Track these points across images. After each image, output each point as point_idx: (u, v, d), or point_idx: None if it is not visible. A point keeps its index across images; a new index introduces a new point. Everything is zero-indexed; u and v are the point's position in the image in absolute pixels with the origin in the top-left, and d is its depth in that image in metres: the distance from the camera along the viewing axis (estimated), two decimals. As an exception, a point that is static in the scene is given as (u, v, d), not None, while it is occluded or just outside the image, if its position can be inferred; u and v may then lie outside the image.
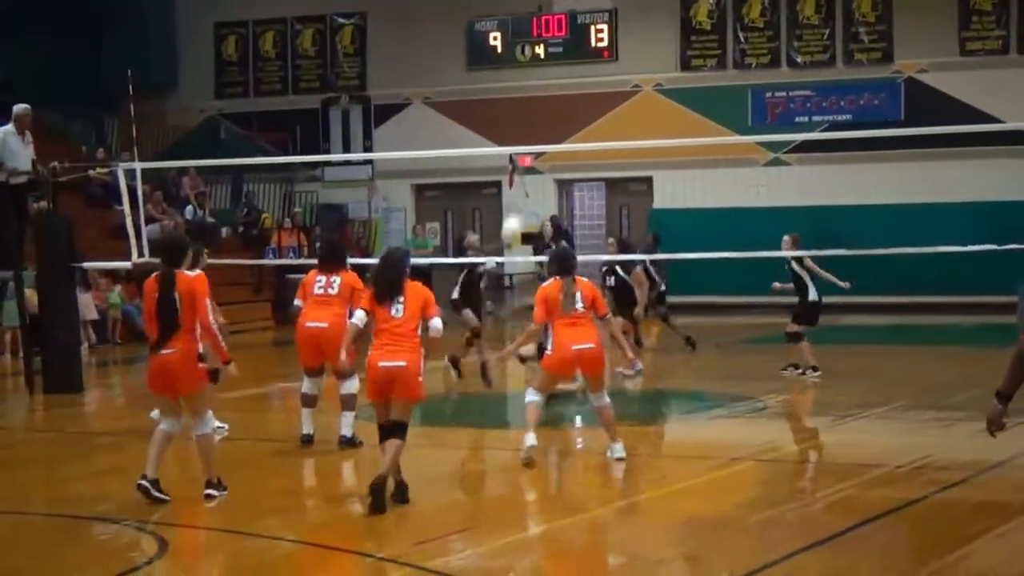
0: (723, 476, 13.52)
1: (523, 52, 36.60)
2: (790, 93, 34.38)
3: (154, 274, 12.21)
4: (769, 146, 33.59)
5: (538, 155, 35.17)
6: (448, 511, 12.06)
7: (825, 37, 34.28)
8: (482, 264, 20.20)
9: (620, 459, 13.59)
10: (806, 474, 13.97)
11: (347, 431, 14.75)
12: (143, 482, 11.97)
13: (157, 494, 11.96)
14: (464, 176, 36.11)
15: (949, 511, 11.14)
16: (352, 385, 14.61)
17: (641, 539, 11.11)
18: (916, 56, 33.36)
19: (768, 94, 34.52)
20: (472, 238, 21.30)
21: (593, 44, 35.98)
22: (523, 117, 35.32)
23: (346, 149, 37.47)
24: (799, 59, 34.49)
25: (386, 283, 12.04)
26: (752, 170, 34.07)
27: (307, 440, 14.96)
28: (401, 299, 11.92)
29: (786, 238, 20.65)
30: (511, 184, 35.01)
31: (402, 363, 11.73)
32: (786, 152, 33.96)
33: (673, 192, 34.58)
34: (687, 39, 35.33)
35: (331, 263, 15.09)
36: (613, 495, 12.91)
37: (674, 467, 13.72)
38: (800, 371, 20.39)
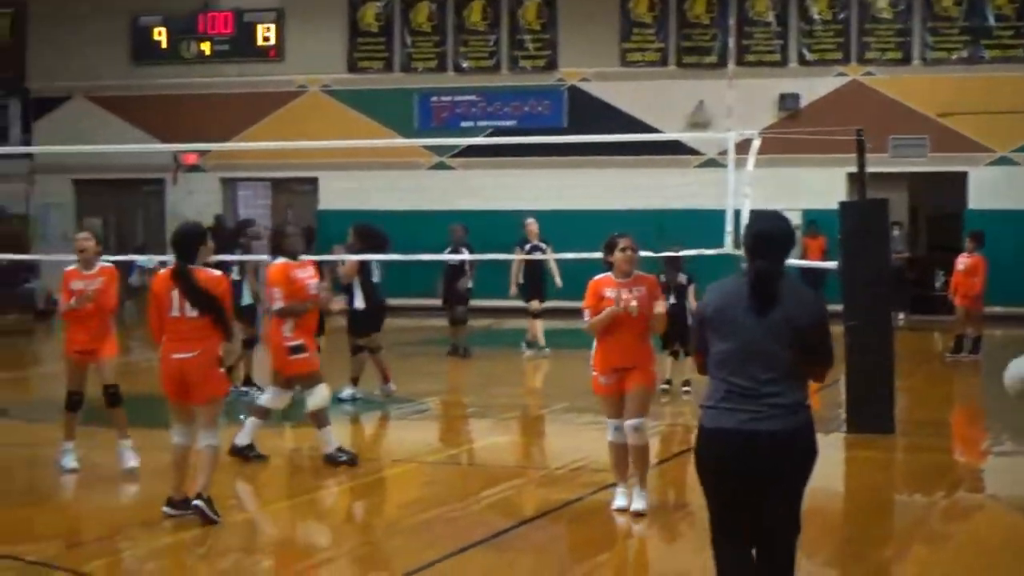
0: (386, 477, 13.59)
1: (188, 49, 36.17)
2: (456, 98, 34.74)
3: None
4: (435, 150, 33.84)
5: (203, 153, 34.79)
6: (100, 513, 11.83)
7: (491, 43, 34.73)
8: None
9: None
10: (467, 476, 14.11)
11: None
12: (197, 502, 11.02)
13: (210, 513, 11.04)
14: (127, 172, 35.46)
15: (603, 511, 11.41)
16: None
17: (305, 538, 11.11)
18: (579, 65, 34.07)
19: (434, 98, 34.81)
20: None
21: (259, 43, 35.77)
22: (189, 114, 34.87)
23: (3, 142, 36.43)
24: (465, 64, 34.88)
25: None
26: (423, 172, 34.29)
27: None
28: None
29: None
30: (175, 181, 34.66)
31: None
32: (451, 156, 34.30)
33: (339, 193, 34.55)
34: (354, 41, 35.40)
35: None
36: (276, 494, 12.83)
37: (339, 468, 13.70)
38: None
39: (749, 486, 6.97)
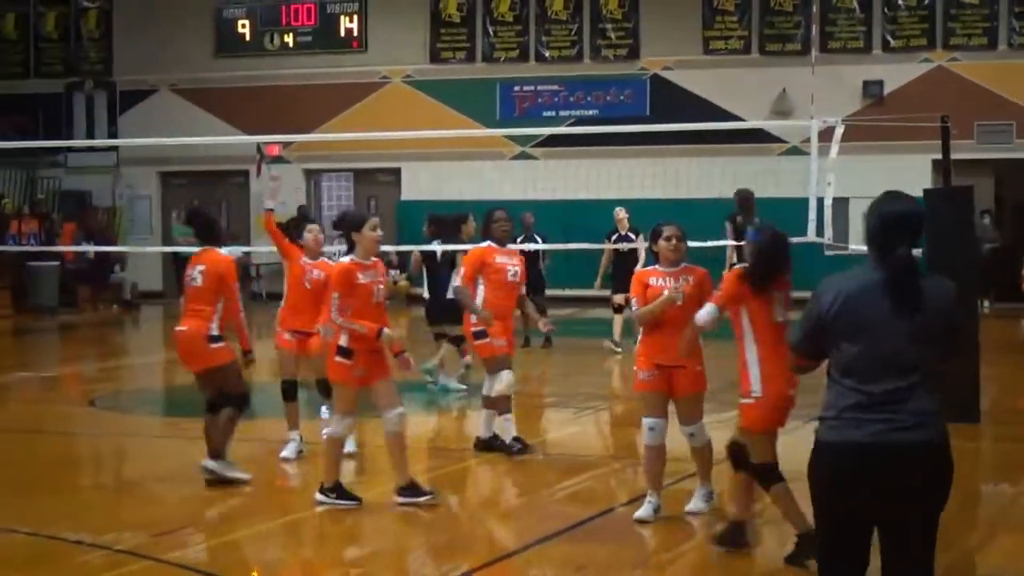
0: (467, 467, 13.61)
1: (272, 40, 36.40)
2: (538, 87, 34.72)
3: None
4: (517, 140, 33.82)
5: (286, 144, 34.97)
6: (186, 503, 11.93)
7: (573, 33, 34.69)
8: None
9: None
10: (547, 466, 14.08)
11: None
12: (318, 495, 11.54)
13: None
14: (211, 164, 35.75)
15: (682, 502, 11.34)
16: None
17: (386, 529, 11.14)
18: (661, 54, 33.96)
19: (516, 88, 34.81)
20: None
21: (342, 34, 35.96)
22: (272, 106, 35.09)
23: (90, 135, 36.80)
24: (547, 54, 34.85)
25: None
26: (505, 163, 34.27)
27: None
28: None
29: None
30: (259, 173, 34.90)
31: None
32: (533, 146, 34.28)
33: (421, 184, 34.63)
34: (437, 31, 35.46)
35: None
36: (356, 488, 12.88)
37: (417, 459, 13.73)
38: None
39: (881, 507, 6.04)
